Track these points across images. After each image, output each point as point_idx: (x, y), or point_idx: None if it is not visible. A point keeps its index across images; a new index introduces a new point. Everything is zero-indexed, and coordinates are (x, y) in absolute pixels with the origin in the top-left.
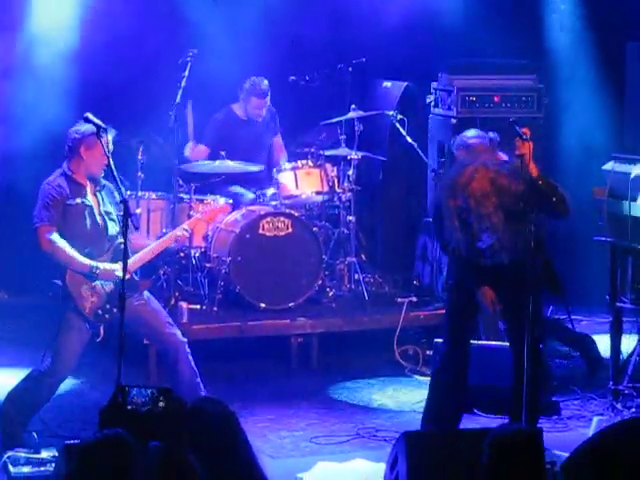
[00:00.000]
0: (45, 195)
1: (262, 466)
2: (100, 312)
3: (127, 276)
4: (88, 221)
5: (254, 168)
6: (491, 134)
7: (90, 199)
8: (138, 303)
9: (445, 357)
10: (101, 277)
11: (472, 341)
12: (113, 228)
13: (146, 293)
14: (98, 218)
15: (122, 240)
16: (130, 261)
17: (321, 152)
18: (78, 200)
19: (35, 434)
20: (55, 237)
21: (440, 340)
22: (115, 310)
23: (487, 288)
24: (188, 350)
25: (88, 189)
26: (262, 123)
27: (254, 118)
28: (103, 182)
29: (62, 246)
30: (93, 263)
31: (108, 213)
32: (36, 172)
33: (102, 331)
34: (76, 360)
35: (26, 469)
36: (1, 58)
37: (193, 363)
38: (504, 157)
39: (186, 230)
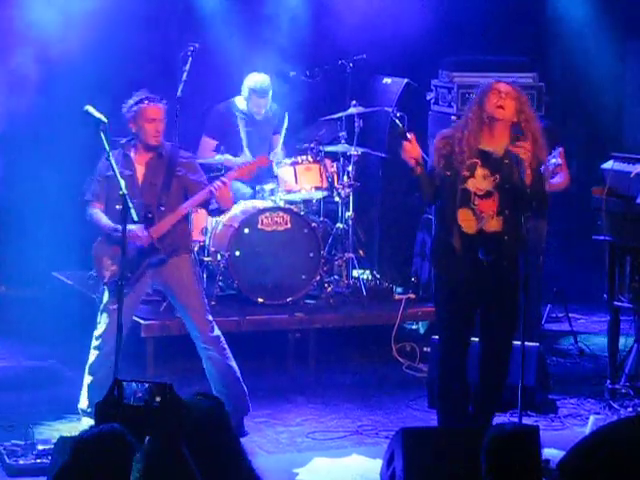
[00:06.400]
0: None
1: (254, 464)
2: (118, 280)
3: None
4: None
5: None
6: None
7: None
8: (174, 261)
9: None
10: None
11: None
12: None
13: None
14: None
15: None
16: (155, 227)
17: (321, 148)
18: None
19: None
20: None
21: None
22: (130, 275)
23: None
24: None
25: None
26: (264, 118)
27: (254, 115)
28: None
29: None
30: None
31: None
32: (34, 166)
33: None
34: (130, 319)
35: (22, 461)
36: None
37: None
38: None
39: (223, 182)
